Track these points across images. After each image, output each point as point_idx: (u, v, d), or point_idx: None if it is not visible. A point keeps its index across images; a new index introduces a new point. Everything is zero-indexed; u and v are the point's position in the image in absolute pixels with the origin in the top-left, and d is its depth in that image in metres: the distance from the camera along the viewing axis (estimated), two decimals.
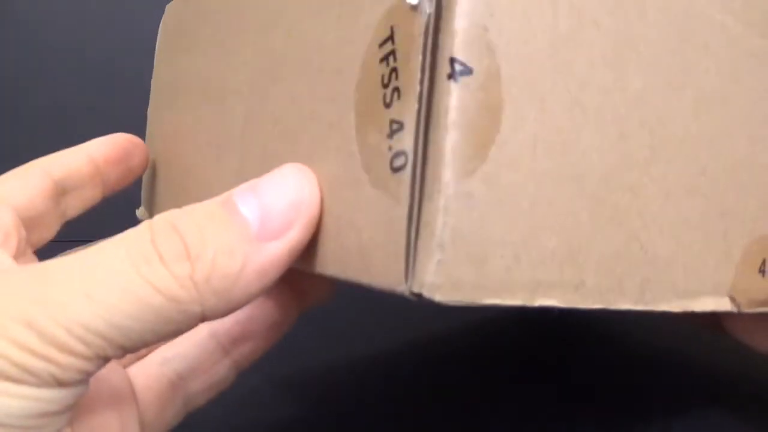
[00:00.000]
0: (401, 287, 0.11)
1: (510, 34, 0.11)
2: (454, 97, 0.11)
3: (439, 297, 0.11)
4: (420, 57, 0.11)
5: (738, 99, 0.16)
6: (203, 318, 0.12)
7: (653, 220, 0.14)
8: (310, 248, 0.13)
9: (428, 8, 0.11)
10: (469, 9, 0.11)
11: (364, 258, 0.12)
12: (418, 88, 0.11)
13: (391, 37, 0.11)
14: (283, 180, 0.13)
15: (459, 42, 0.11)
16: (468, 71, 0.11)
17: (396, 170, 0.11)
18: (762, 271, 0.17)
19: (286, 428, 0.22)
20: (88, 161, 0.19)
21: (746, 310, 0.17)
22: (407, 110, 0.11)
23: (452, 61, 0.11)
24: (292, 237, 0.13)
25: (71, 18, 0.50)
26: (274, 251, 0.12)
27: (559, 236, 0.12)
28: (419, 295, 0.11)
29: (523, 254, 0.12)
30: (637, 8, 0.14)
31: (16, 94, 0.50)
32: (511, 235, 0.11)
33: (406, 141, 0.11)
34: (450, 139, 0.11)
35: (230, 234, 0.12)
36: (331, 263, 0.13)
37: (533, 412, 0.24)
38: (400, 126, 0.11)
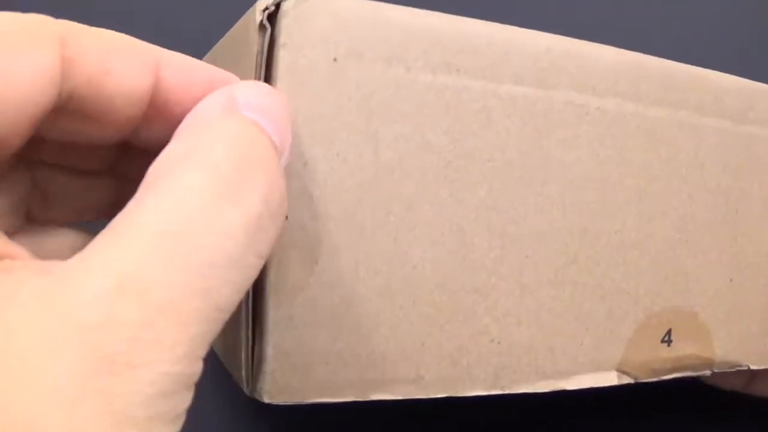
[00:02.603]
0: (246, 390, 0.14)
1: (325, 178, 0.13)
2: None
3: (267, 399, 0.13)
4: None
5: (625, 178, 0.17)
6: None
7: (506, 314, 0.15)
8: None
9: None
10: (285, 162, 0.13)
11: (231, 360, 0.14)
12: None
13: None
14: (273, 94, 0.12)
15: None
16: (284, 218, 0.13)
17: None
18: (666, 341, 0.18)
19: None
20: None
21: (648, 379, 0.17)
22: None
23: None
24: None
25: (71, 18, 0.51)
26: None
27: (390, 340, 0.14)
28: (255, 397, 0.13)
29: (351, 359, 0.14)
30: (482, 119, 0.15)
31: None
32: (336, 345, 0.14)
33: None
34: (271, 275, 0.13)
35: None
36: (221, 350, 0.16)
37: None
38: None
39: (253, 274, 0.11)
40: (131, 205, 0.10)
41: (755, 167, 0.19)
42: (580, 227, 0.16)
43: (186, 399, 0.10)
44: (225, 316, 0.10)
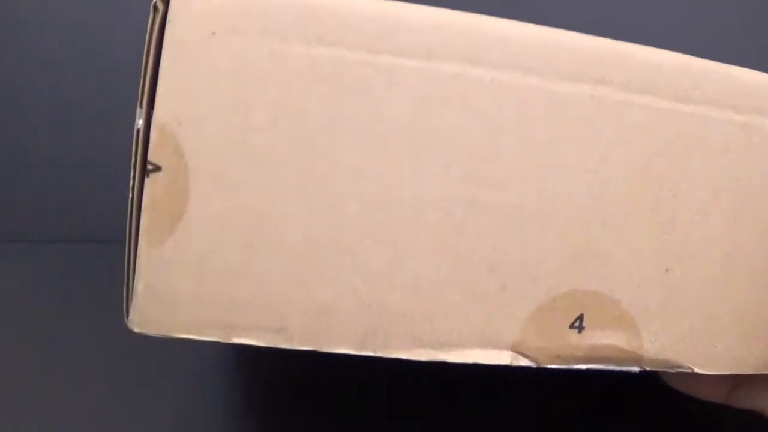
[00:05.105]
0: (125, 321, 0.16)
1: (197, 136, 0.15)
2: (147, 189, 0.15)
3: (136, 329, 0.15)
4: (133, 157, 0.16)
5: (524, 153, 0.17)
6: None
7: (377, 277, 0.16)
8: None
9: (138, 123, 0.16)
10: (162, 121, 0.15)
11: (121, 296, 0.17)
12: (131, 181, 0.16)
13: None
14: None
15: (152, 147, 0.15)
16: (158, 169, 0.15)
17: (128, 236, 0.16)
18: (577, 327, 0.17)
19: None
20: None
21: (553, 365, 0.17)
22: (129, 203, 0.16)
23: (147, 162, 0.15)
24: None
25: (72, 17, 0.50)
26: None
27: (254, 289, 0.15)
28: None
29: (215, 302, 0.15)
30: (357, 89, 0.16)
31: (17, 93, 0.51)
32: (201, 287, 0.15)
33: (128, 221, 0.16)
34: (144, 218, 0.15)
35: None
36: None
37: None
38: (127, 204, 0.16)
39: None
40: None
41: (703, 151, 0.18)
42: (467, 198, 0.16)
43: None
44: None
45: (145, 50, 0.16)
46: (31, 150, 0.53)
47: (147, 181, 0.15)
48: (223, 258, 0.15)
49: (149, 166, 0.15)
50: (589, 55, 0.17)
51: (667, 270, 0.18)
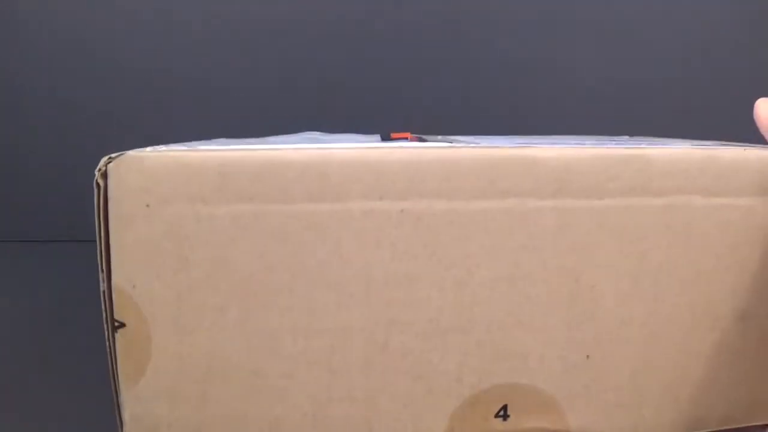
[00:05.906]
0: None
1: (150, 296, 0.18)
2: (117, 343, 0.18)
3: None
4: (103, 314, 0.19)
5: (439, 272, 0.19)
6: None
7: (317, 393, 0.19)
8: None
9: (102, 286, 0.18)
10: (120, 286, 0.18)
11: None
12: (106, 332, 0.19)
13: None
14: None
15: (115, 308, 0.18)
16: (123, 325, 0.18)
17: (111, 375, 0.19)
18: (502, 416, 0.20)
19: None
20: None
21: None
22: (108, 350, 0.19)
23: (113, 320, 0.18)
24: None
25: (72, 17, 0.52)
26: None
27: (215, 412, 0.19)
28: None
29: (186, 424, 0.19)
30: (278, 236, 0.18)
31: (17, 93, 0.52)
32: (173, 414, 0.19)
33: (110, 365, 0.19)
34: (119, 365, 0.18)
35: None
36: None
37: None
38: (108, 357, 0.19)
39: None
40: None
41: (621, 240, 0.19)
42: (388, 319, 0.19)
43: None
44: None
45: (96, 221, 0.18)
46: (31, 150, 0.55)
47: (117, 335, 0.18)
48: (187, 388, 0.19)
49: (116, 323, 0.18)
50: (494, 170, 0.19)
51: (588, 357, 0.20)
